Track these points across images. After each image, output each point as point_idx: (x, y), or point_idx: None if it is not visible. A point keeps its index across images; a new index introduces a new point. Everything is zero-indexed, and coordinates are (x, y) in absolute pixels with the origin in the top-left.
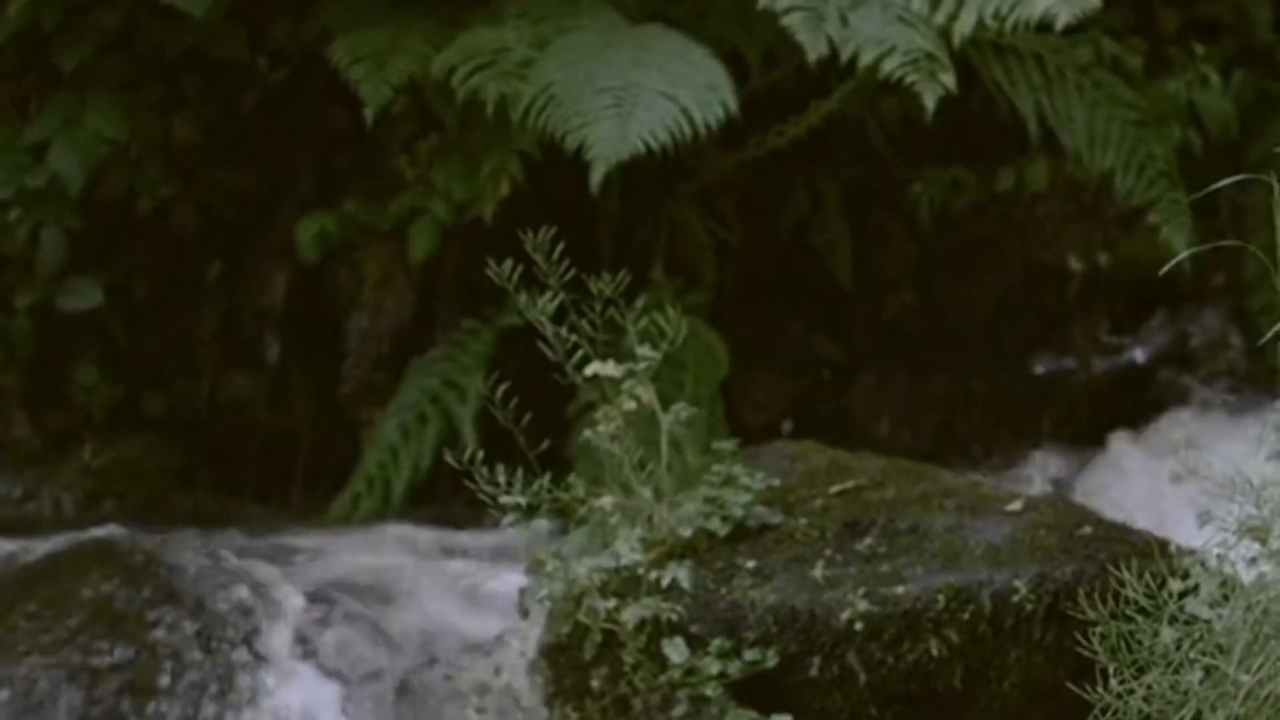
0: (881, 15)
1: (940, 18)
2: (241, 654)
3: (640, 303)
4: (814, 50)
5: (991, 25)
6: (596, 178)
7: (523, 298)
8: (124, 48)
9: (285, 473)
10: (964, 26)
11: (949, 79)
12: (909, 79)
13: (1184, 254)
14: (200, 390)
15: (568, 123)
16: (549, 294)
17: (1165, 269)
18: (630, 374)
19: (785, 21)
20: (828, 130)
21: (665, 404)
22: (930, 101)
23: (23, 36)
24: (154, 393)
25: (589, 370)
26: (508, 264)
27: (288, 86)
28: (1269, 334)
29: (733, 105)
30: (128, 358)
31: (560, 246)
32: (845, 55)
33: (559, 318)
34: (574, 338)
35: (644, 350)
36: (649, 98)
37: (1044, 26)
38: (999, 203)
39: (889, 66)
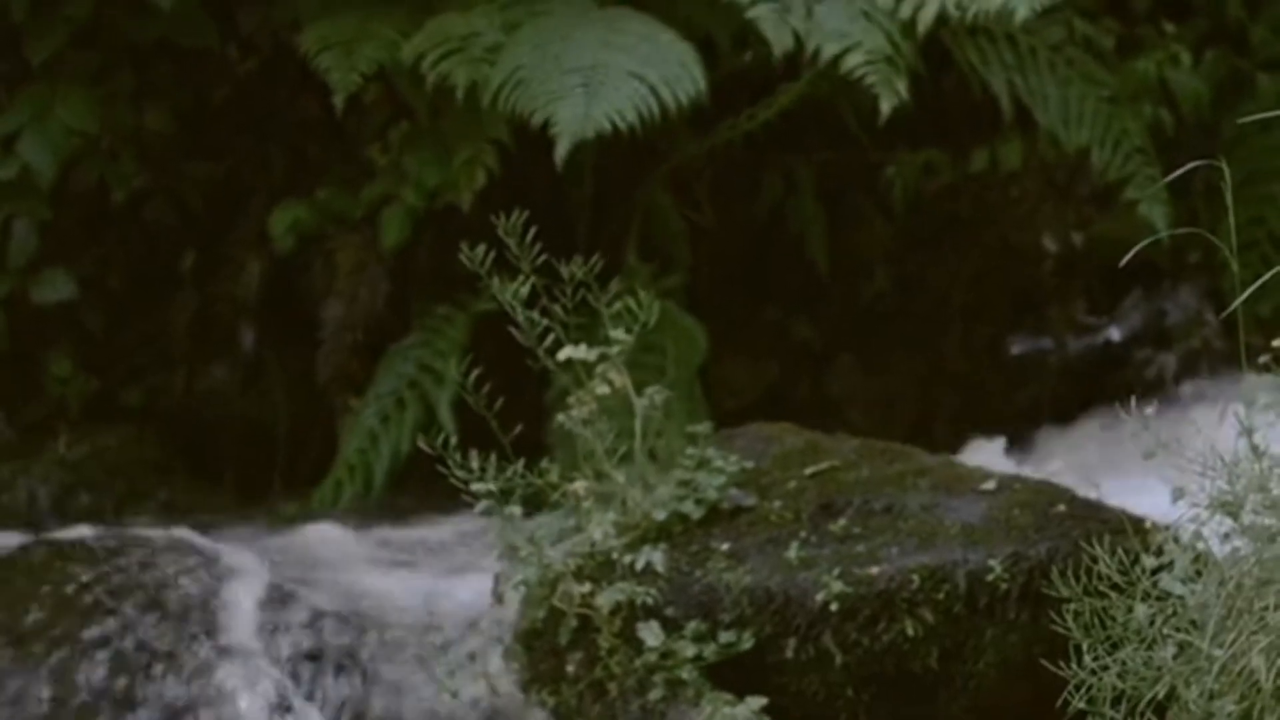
0: (846, 9)
1: (906, 10)
2: (210, 642)
3: (613, 287)
4: (779, 45)
5: (954, 15)
6: (561, 152)
7: (495, 283)
8: (94, 39)
9: (264, 462)
10: (927, 15)
11: (903, 86)
12: (868, 79)
13: (1162, 234)
14: (176, 381)
15: (534, 101)
16: (521, 278)
17: (1136, 249)
18: (603, 357)
19: (751, 14)
20: (801, 113)
21: (645, 388)
22: (886, 106)
23: None
24: (129, 384)
25: (562, 354)
26: (480, 249)
27: (259, 76)
28: (1230, 308)
29: (702, 83)
30: (102, 349)
31: (533, 232)
32: (809, 48)
33: (532, 302)
34: (546, 322)
35: (617, 333)
36: (617, 78)
37: (1004, 17)
38: (973, 183)
39: (850, 63)
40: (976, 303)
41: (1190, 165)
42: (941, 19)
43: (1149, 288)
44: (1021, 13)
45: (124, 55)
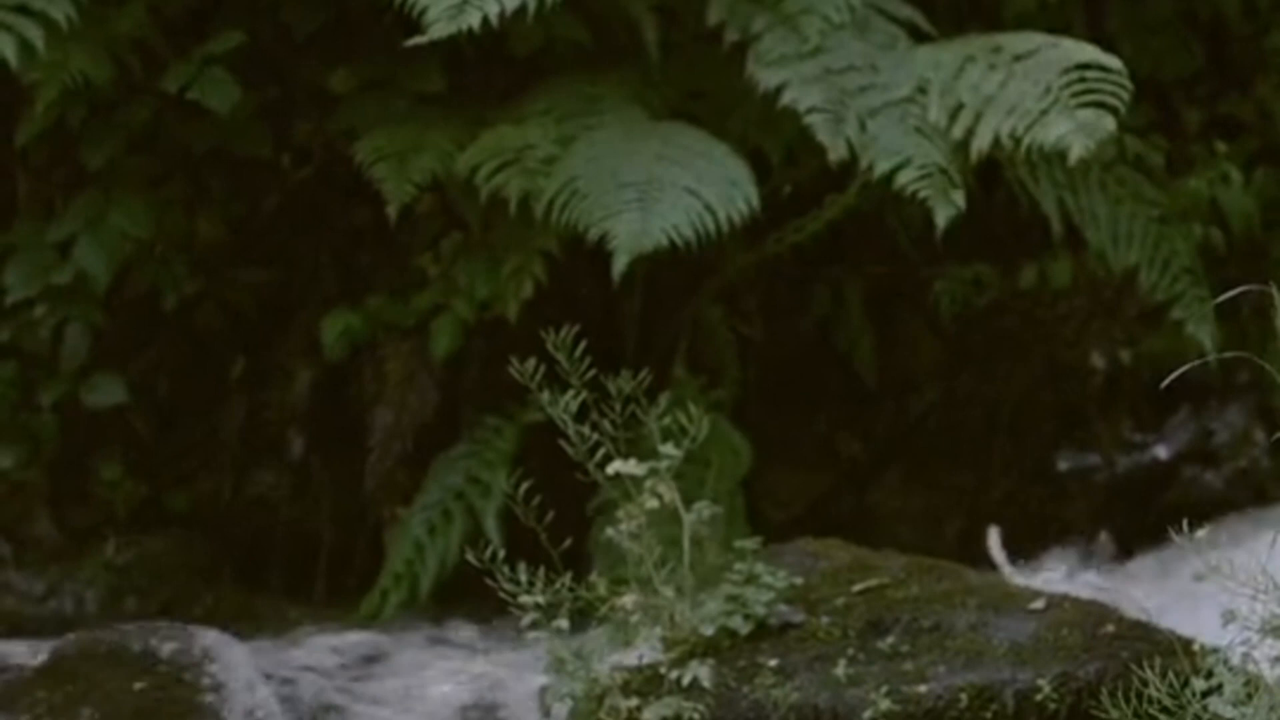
0: (900, 125)
1: (957, 131)
2: None
3: (662, 400)
4: (835, 151)
5: (1007, 144)
6: (619, 267)
7: (545, 395)
8: (150, 146)
9: (310, 569)
10: (981, 142)
11: (960, 197)
12: (922, 194)
13: (1209, 356)
14: (224, 487)
15: (590, 216)
16: (571, 392)
17: (1181, 370)
18: (653, 472)
19: (807, 121)
20: (850, 228)
21: (687, 502)
22: (941, 220)
23: (49, 134)
24: (178, 489)
25: (611, 468)
26: (530, 362)
27: (312, 184)
28: None
29: (755, 201)
30: (152, 454)
31: (583, 345)
32: (863, 162)
33: (582, 416)
34: (596, 436)
35: (666, 448)
36: (672, 193)
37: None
38: (1021, 300)
39: (903, 179)
40: (1024, 419)
41: (1239, 289)
42: (994, 145)
43: (1197, 406)
44: (1076, 151)
45: (178, 162)
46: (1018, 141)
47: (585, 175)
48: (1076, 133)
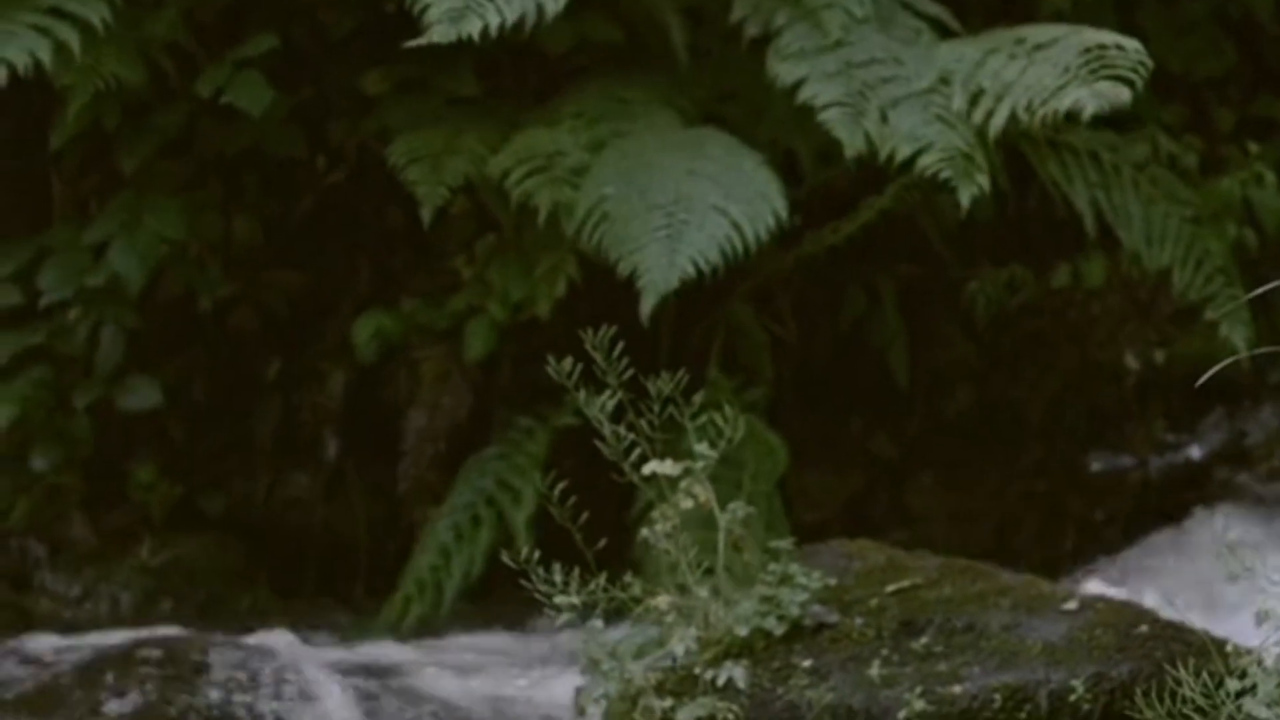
0: (921, 114)
1: (978, 116)
2: None
3: (697, 401)
4: (851, 146)
5: (1024, 118)
6: (646, 309)
7: (582, 396)
8: (184, 149)
9: (344, 571)
10: (998, 121)
11: (984, 179)
12: (944, 175)
13: (1242, 354)
14: (258, 489)
15: (619, 245)
16: (608, 392)
17: (1214, 370)
18: (688, 472)
19: (823, 117)
20: (883, 228)
21: (723, 503)
22: (965, 199)
23: (83, 138)
24: (212, 492)
25: (647, 469)
26: (566, 362)
27: (346, 187)
28: None
29: (783, 214)
30: (186, 456)
31: (618, 345)
32: (883, 153)
33: (617, 417)
34: (631, 436)
35: (702, 448)
36: (700, 213)
37: (1072, 117)
38: (1055, 300)
39: (925, 162)
40: (1057, 419)
41: (1270, 285)
42: (1012, 122)
43: (1230, 406)
44: (1090, 109)
45: (213, 165)
46: (1033, 114)
47: (614, 194)
48: (1090, 98)
